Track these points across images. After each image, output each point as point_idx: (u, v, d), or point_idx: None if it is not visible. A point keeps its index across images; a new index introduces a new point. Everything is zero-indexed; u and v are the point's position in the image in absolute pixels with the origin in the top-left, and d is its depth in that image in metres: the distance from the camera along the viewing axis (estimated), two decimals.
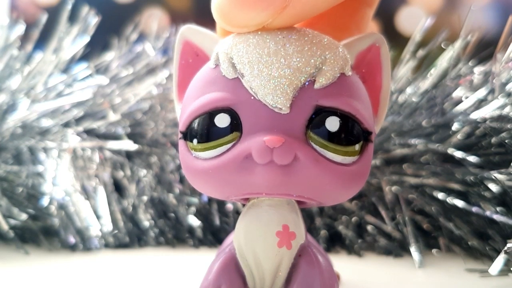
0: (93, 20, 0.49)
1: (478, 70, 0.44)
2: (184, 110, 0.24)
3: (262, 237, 0.24)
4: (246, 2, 0.22)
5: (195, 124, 0.23)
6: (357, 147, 0.23)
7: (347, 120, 0.22)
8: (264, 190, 0.22)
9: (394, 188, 0.42)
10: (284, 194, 0.23)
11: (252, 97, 0.22)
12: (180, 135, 0.24)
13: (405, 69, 0.47)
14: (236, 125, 0.22)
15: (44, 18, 0.48)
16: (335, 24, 0.27)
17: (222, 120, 0.22)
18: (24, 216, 0.41)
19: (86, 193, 0.44)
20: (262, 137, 0.21)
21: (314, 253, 0.24)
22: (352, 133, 0.23)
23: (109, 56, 0.51)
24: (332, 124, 0.22)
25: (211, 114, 0.23)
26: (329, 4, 0.23)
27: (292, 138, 0.22)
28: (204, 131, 0.23)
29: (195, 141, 0.23)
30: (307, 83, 0.22)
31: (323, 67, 0.22)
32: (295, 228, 0.24)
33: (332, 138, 0.22)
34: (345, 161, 0.23)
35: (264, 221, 0.24)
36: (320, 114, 0.22)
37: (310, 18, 0.23)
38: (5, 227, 0.40)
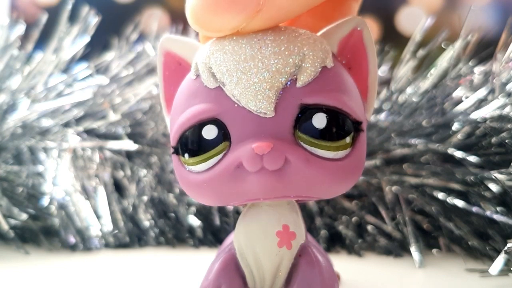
0: (93, 20, 0.49)
1: (478, 70, 0.44)
2: (173, 125, 0.24)
3: (262, 237, 0.24)
4: (220, 7, 0.21)
5: (184, 139, 0.23)
6: (348, 139, 0.22)
7: (334, 114, 0.22)
8: (260, 196, 0.22)
9: (394, 188, 0.42)
10: (280, 197, 0.22)
11: (236, 105, 0.22)
12: (172, 150, 0.24)
13: (405, 69, 0.47)
14: (224, 135, 0.22)
15: (44, 18, 0.48)
16: (320, 16, 0.27)
17: (210, 132, 0.22)
18: (24, 216, 0.41)
19: (86, 193, 0.44)
20: (250, 145, 0.21)
21: (314, 253, 0.24)
22: (341, 127, 0.22)
23: (109, 56, 0.51)
24: (319, 120, 0.22)
25: (198, 127, 0.22)
26: (303, 8, 0.22)
27: (281, 141, 0.21)
28: (193, 145, 0.23)
29: (186, 155, 0.23)
30: (289, 83, 0.22)
31: (303, 64, 0.22)
32: (295, 228, 0.24)
33: (321, 135, 0.22)
34: (338, 156, 0.22)
35: (264, 221, 0.24)
36: (306, 112, 0.22)
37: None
38: (5, 227, 0.40)
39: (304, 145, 0.22)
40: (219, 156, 0.22)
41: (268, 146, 0.21)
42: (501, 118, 0.38)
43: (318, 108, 0.22)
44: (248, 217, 0.24)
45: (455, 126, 0.41)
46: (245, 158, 0.21)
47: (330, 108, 0.22)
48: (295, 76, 0.22)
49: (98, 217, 0.43)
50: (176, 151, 0.24)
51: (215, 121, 0.22)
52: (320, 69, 0.22)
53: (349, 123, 0.22)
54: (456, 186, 0.40)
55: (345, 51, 0.24)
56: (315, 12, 0.26)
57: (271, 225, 0.24)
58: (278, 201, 0.24)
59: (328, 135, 0.22)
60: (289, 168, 0.21)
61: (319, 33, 0.24)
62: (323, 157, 0.22)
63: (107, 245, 0.43)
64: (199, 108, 0.22)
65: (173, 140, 0.24)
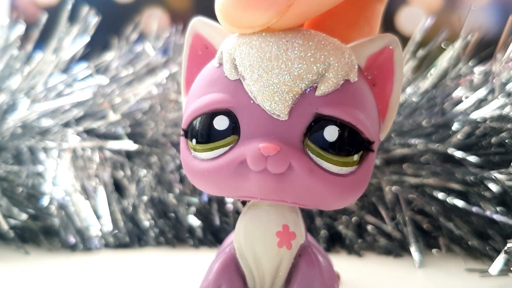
0: (93, 20, 0.49)
1: (478, 70, 0.44)
2: (187, 107, 0.24)
3: (262, 237, 0.24)
4: (250, 3, 0.21)
5: (195, 124, 0.23)
6: (355, 157, 0.22)
7: (347, 130, 0.22)
8: (258, 195, 0.22)
9: (394, 188, 0.42)
10: (278, 200, 0.22)
11: (252, 101, 0.22)
12: (182, 132, 0.24)
13: (405, 69, 0.47)
14: (234, 128, 0.22)
15: (44, 18, 0.48)
16: (344, 20, 0.26)
17: (221, 123, 0.22)
18: (24, 216, 0.41)
19: (86, 193, 0.44)
20: (257, 144, 0.21)
21: (314, 253, 0.24)
22: (351, 144, 0.22)
23: (109, 56, 0.51)
24: (331, 133, 0.22)
25: (210, 116, 0.22)
26: (334, 2, 0.22)
27: (288, 146, 0.21)
28: (203, 132, 0.23)
29: (194, 141, 0.23)
30: (308, 90, 0.22)
31: (326, 74, 0.22)
32: (295, 228, 0.24)
33: (330, 147, 0.22)
34: (342, 172, 0.22)
35: (264, 221, 0.24)
36: (319, 122, 0.22)
37: (318, 15, 0.23)
38: (5, 227, 0.40)
39: (311, 155, 0.22)
40: (226, 148, 0.22)
41: (274, 149, 0.21)
42: (501, 118, 0.38)
43: (332, 120, 0.22)
44: (248, 217, 0.24)
45: (455, 126, 0.41)
46: (250, 156, 0.21)
47: (344, 123, 0.22)
48: (315, 84, 0.22)
49: (98, 217, 0.43)
50: (185, 134, 0.24)
51: (228, 113, 0.22)
52: (342, 82, 0.22)
53: (360, 141, 0.22)
54: (456, 186, 0.40)
55: (373, 68, 0.24)
56: (339, 16, 0.26)
57: (271, 225, 0.24)
58: None
59: (337, 149, 0.22)
60: (292, 175, 0.21)
61: (350, 45, 0.23)
62: (327, 170, 0.22)
63: (107, 245, 0.42)
64: (216, 97, 0.22)
65: (184, 123, 0.24)
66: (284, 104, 0.21)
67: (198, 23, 0.25)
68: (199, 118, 0.23)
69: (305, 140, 0.22)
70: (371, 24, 0.27)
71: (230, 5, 0.21)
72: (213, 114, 0.22)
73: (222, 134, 0.22)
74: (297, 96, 0.22)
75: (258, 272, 0.24)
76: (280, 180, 0.21)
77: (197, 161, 0.23)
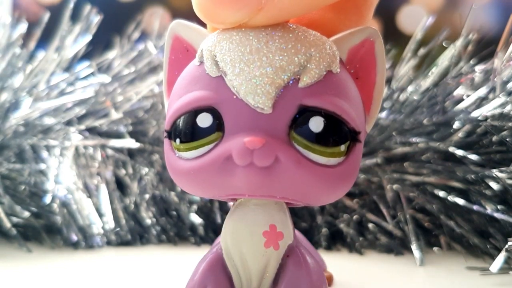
0: (95, 18, 0.49)
1: (479, 68, 0.44)
2: (170, 108, 0.24)
3: (248, 237, 0.23)
4: (222, 0, 0.22)
5: (178, 123, 0.23)
6: (342, 147, 0.22)
7: (332, 120, 0.22)
8: (245, 192, 0.22)
9: (395, 186, 0.42)
10: (266, 196, 0.22)
11: (235, 96, 0.21)
12: (165, 134, 0.23)
13: (406, 67, 0.47)
14: (218, 125, 0.22)
15: (46, 16, 0.48)
16: (329, 4, 0.25)
17: (205, 120, 0.22)
18: (26, 214, 0.41)
19: (89, 191, 0.44)
20: (242, 138, 0.21)
21: (302, 254, 0.24)
22: (337, 134, 0.22)
23: (111, 55, 0.51)
24: (316, 124, 0.21)
25: (193, 114, 0.22)
26: (305, 10, 0.22)
27: (273, 139, 0.21)
28: (186, 130, 0.22)
29: (178, 140, 0.23)
30: (291, 82, 0.21)
31: (308, 65, 0.21)
32: (283, 228, 0.23)
33: (316, 139, 0.21)
34: (330, 163, 0.22)
35: (251, 220, 0.23)
36: (304, 114, 0.21)
37: None
38: (8, 225, 0.40)
39: (298, 147, 0.21)
40: (210, 146, 0.22)
41: (260, 142, 0.21)
42: (502, 116, 0.38)
43: (316, 111, 0.21)
44: (234, 217, 0.24)
45: (456, 125, 0.41)
46: (235, 151, 0.21)
47: (329, 113, 0.21)
48: (298, 76, 0.21)
49: (100, 215, 0.43)
50: (169, 136, 0.23)
51: (211, 110, 0.22)
52: (325, 73, 0.22)
53: (346, 131, 0.22)
54: (457, 184, 0.40)
55: (354, 61, 0.24)
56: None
57: (258, 225, 0.23)
58: (265, 200, 0.23)
59: (323, 140, 0.21)
60: (279, 167, 0.21)
61: (330, 39, 0.23)
62: (314, 161, 0.21)
63: (109, 243, 0.43)
64: (198, 94, 0.22)
65: (167, 124, 0.23)
66: (268, 96, 0.21)
67: (178, 25, 0.25)
68: (182, 117, 0.22)
69: (290, 133, 0.21)
70: (362, 12, 0.26)
71: (205, 0, 0.22)
72: (196, 112, 0.22)
73: (206, 132, 0.22)
74: (280, 89, 0.21)
75: (245, 272, 0.24)
76: (267, 173, 0.21)
77: (181, 161, 0.23)
